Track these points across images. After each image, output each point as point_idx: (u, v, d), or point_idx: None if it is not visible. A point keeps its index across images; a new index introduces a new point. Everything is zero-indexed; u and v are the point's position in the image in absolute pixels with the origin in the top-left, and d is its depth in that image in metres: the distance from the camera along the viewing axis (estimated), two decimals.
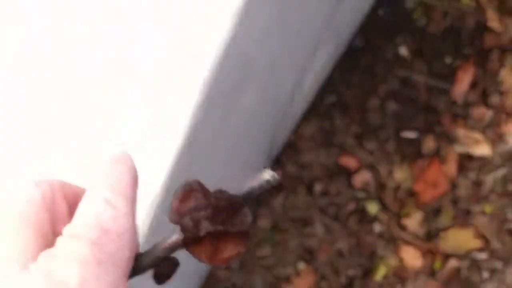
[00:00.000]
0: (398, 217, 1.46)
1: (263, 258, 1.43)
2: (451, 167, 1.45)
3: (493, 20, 1.54)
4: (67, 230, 0.31)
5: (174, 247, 0.36)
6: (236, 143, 1.10)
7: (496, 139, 1.51)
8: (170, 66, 0.77)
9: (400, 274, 1.41)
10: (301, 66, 1.22)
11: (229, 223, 0.35)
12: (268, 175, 0.36)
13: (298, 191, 1.48)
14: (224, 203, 0.35)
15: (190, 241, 0.35)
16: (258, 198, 0.47)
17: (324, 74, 1.49)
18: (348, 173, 1.49)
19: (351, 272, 1.42)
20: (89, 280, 0.29)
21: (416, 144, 1.51)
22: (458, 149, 1.47)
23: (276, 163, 1.47)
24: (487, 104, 1.54)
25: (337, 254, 1.44)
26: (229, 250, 0.35)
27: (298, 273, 1.42)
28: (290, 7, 0.98)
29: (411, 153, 1.49)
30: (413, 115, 1.52)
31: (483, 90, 1.55)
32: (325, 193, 1.48)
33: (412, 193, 1.46)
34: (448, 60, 1.56)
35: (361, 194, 1.48)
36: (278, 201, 1.47)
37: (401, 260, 1.41)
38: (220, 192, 0.36)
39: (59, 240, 0.31)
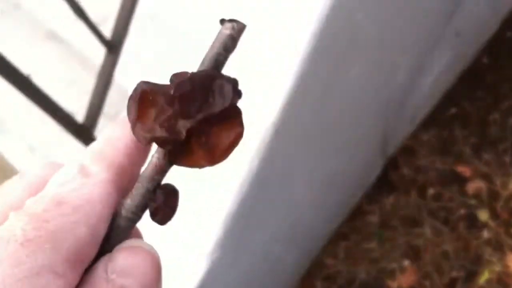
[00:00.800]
0: (508, 225, 1.45)
1: (369, 251, 1.49)
2: None
3: None
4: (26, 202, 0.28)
5: (161, 171, 0.30)
6: (342, 120, 1.19)
7: None
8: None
9: (504, 280, 1.39)
10: (416, 60, 1.29)
11: (208, 107, 0.28)
12: (227, 29, 0.29)
13: (410, 193, 1.54)
14: (188, 86, 0.28)
15: (175, 152, 0.29)
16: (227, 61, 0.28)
17: (446, 85, 1.56)
18: (462, 181, 1.52)
19: (454, 274, 1.43)
20: (1, 261, 0.25)
21: None
22: None
23: (392, 164, 1.55)
24: None
25: (443, 256, 1.46)
26: (225, 138, 0.29)
27: (402, 270, 1.46)
28: None
29: None
30: None
31: None
32: (437, 197, 1.52)
33: None
34: None
35: (473, 202, 1.49)
36: (389, 200, 1.53)
37: (506, 267, 1.40)
38: (177, 75, 0.29)
39: (10, 214, 0.27)
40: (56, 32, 1.22)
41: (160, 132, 0.28)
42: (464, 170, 1.52)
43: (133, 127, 0.28)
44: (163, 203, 0.30)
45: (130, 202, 0.29)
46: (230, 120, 0.29)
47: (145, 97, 0.28)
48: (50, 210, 0.27)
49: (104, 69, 0.95)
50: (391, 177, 1.55)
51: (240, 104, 0.29)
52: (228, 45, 0.29)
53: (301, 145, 1.08)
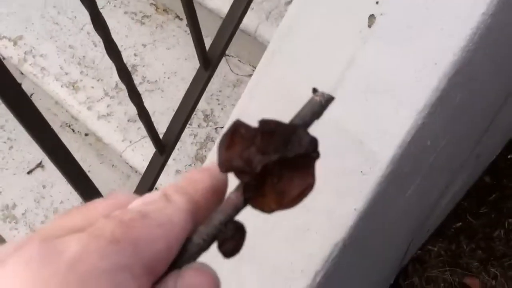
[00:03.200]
0: None
1: None
2: None
3: None
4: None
5: (235, 208, 0.32)
6: (387, 239, 1.25)
7: None
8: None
9: None
10: (447, 181, 1.39)
11: (284, 150, 0.31)
12: (318, 96, 0.32)
13: None
14: (272, 126, 0.31)
15: (251, 191, 0.31)
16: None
17: (455, 201, 1.66)
18: None
19: None
20: (90, 253, 0.27)
21: None
22: None
23: (403, 274, 1.61)
24: None
25: None
26: (297, 185, 0.31)
27: None
28: (456, 127, 1.13)
29: None
30: None
31: None
32: None
33: None
34: None
35: None
36: None
37: None
38: (265, 120, 0.31)
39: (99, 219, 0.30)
40: None
41: (238, 162, 0.30)
42: (472, 282, 1.60)
43: (220, 155, 0.31)
44: (231, 237, 0.32)
45: (203, 229, 0.32)
46: (304, 170, 0.31)
47: (237, 132, 0.31)
48: (136, 220, 0.30)
49: None
50: (402, 285, 1.60)
51: None
52: (316, 111, 0.32)
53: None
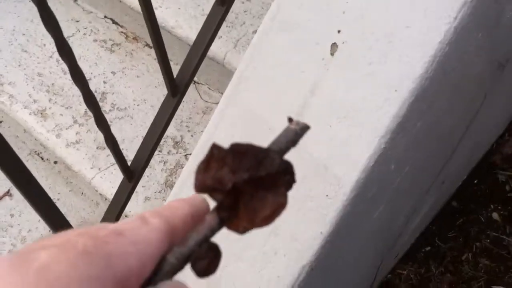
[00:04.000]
0: None
1: None
2: None
3: None
4: None
5: (210, 228, 0.33)
6: (355, 263, 1.26)
7: None
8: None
9: None
10: (414, 205, 1.41)
11: (255, 169, 0.31)
12: (293, 125, 0.34)
13: None
14: (243, 148, 0.32)
15: (225, 210, 0.32)
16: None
17: (423, 225, 1.68)
18: None
19: None
20: (60, 262, 0.27)
21: None
22: None
23: None
24: None
25: None
26: (269, 204, 0.32)
27: None
28: (419, 153, 1.16)
29: None
30: (504, 272, 1.64)
31: None
32: None
33: None
34: None
35: None
36: None
37: None
38: (237, 143, 0.32)
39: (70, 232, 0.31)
40: None
41: (210, 181, 0.32)
42: None
43: (196, 177, 0.33)
44: (204, 257, 0.32)
45: (177, 249, 0.32)
46: (276, 190, 0.32)
47: (212, 155, 0.32)
48: (110, 236, 0.30)
49: None
50: None
51: None
52: (291, 139, 0.34)
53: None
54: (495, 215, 1.74)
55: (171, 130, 1.69)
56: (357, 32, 0.97)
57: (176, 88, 1.23)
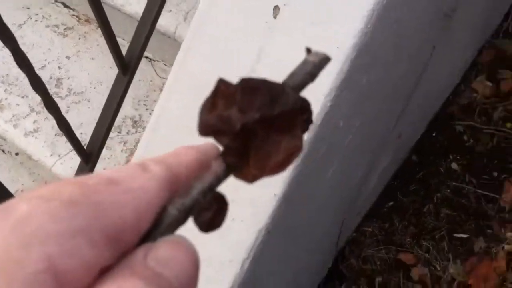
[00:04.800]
0: None
1: None
2: (501, 264, 1.59)
3: None
4: None
5: (215, 176, 0.29)
6: (315, 222, 1.29)
7: None
8: None
9: None
10: (370, 160, 1.44)
11: (268, 108, 0.27)
12: (311, 56, 0.30)
13: (360, 282, 1.64)
14: (255, 83, 0.28)
15: (232, 155, 0.28)
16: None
17: (384, 182, 1.72)
18: (406, 268, 1.65)
19: None
20: (40, 214, 0.24)
21: (468, 243, 1.67)
22: (507, 247, 1.62)
23: (340, 256, 1.66)
24: None
25: None
26: (283, 149, 0.28)
27: None
28: (369, 108, 1.19)
29: (464, 251, 1.65)
30: (465, 219, 1.70)
31: None
32: (385, 285, 1.64)
33: (465, 286, 1.59)
34: (495, 173, 1.76)
35: (418, 287, 1.62)
36: None
37: None
38: (248, 77, 0.28)
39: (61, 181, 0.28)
40: None
41: (215, 122, 0.28)
42: (407, 257, 1.66)
43: (200, 118, 0.29)
44: (209, 208, 0.29)
45: (179, 199, 0.29)
46: (291, 132, 0.28)
47: (218, 92, 0.28)
48: (101, 184, 0.27)
49: None
50: (341, 268, 1.65)
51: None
52: (309, 72, 0.29)
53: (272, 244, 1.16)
54: (454, 165, 1.79)
55: (129, 110, 1.69)
56: None
57: (126, 66, 1.23)
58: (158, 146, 1.10)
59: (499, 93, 1.87)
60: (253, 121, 0.27)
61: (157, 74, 1.80)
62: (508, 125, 1.81)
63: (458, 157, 1.80)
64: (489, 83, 1.91)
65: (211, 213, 0.28)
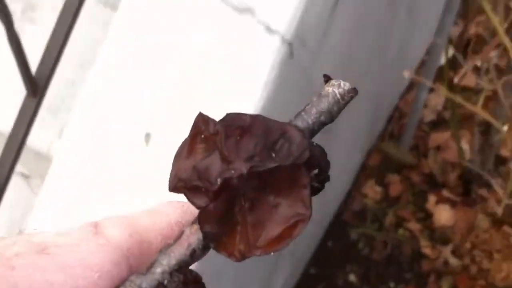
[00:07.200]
0: None
1: None
2: None
3: (426, 248, 1.77)
4: None
5: (188, 249, 0.21)
6: None
7: None
8: None
9: None
10: (264, 280, 1.36)
11: (261, 157, 0.19)
12: (335, 87, 0.22)
13: None
14: (245, 121, 0.20)
15: (211, 222, 0.20)
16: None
17: None
18: None
19: None
20: None
21: None
22: None
23: None
24: None
25: None
26: (282, 218, 0.20)
27: None
28: None
29: None
30: None
31: None
32: None
33: None
34: (392, 284, 1.74)
35: None
36: None
37: None
38: (235, 113, 0.20)
39: None
40: None
41: (188, 173, 0.20)
42: None
43: (173, 163, 0.21)
44: None
45: (135, 279, 0.21)
46: (293, 192, 0.20)
47: (198, 132, 0.21)
48: (23, 256, 0.19)
49: None
50: None
51: None
52: (328, 109, 0.22)
53: None
54: (351, 277, 1.75)
55: None
56: None
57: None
58: None
59: (388, 198, 1.89)
60: (239, 176, 0.19)
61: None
62: (400, 231, 1.82)
63: (354, 268, 1.77)
64: (378, 188, 1.92)
65: None
